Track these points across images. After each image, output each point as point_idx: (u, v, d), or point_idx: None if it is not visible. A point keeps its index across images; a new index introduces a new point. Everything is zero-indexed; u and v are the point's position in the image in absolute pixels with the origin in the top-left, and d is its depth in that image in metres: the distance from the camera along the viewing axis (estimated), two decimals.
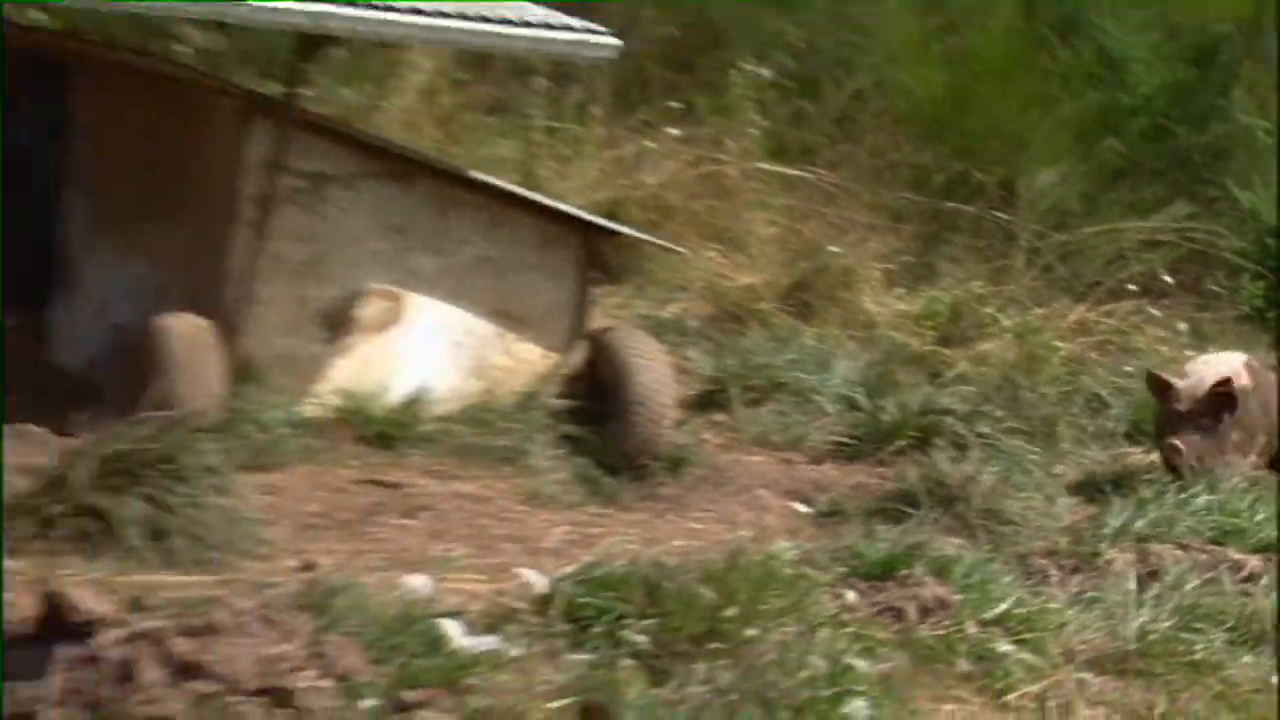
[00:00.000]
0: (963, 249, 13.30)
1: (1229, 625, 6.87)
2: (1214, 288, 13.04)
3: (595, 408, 8.89)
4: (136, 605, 5.64)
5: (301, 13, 7.95)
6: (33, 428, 7.71)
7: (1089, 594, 7.11)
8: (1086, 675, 6.31)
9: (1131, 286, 12.45)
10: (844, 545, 7.31)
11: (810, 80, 14.38)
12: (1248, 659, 6.62)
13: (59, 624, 5.31)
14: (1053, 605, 6.88)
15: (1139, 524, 7.92)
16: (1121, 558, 7.53)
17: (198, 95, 9.29)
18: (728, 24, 14.60)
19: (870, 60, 14.57)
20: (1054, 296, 12.42)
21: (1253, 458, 8.96)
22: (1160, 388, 9.05)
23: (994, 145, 14.01)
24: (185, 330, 8.15)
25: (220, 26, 11.52)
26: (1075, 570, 7.45)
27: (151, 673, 5.17)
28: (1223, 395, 8.80)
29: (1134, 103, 14.45)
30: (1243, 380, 8.99)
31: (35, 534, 6.64)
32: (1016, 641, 6.45)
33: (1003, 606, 6.69)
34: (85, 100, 9.45)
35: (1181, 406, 8.86)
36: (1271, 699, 6.13)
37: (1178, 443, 8.74)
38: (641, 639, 5.99)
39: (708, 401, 9.78)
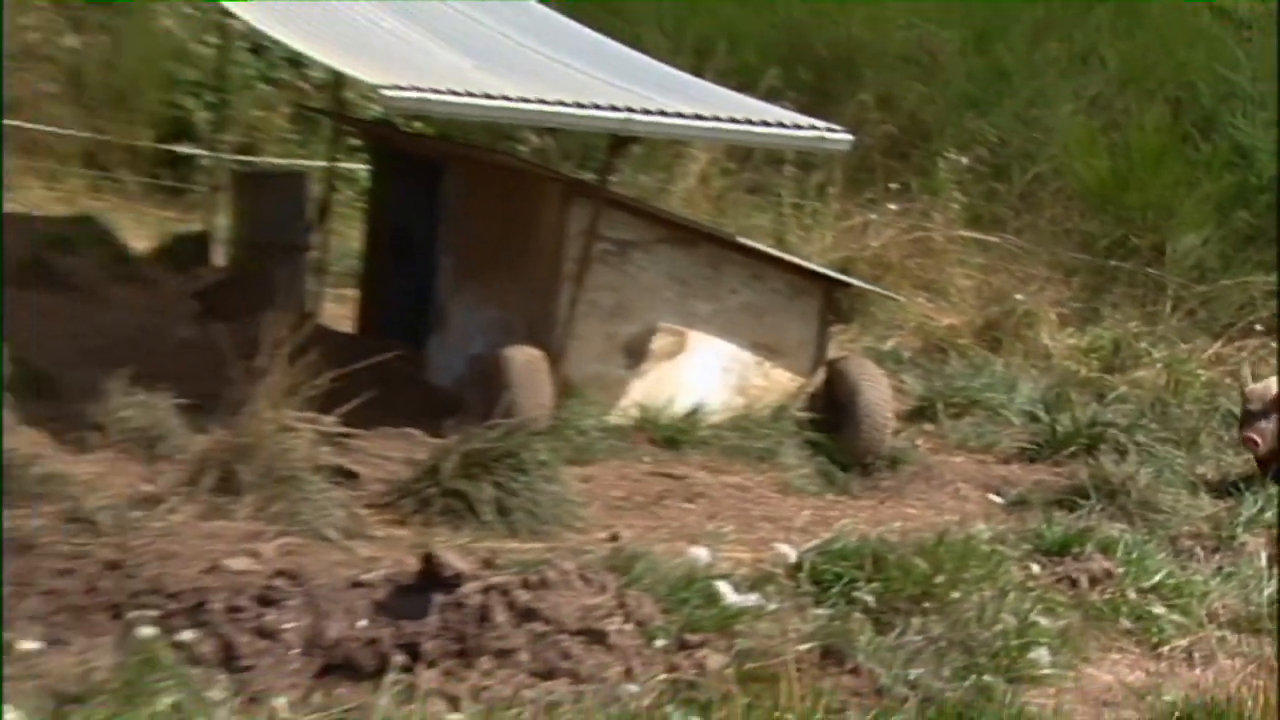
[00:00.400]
0: (1122, 297, 13.09)
1: None
2: None
3: (831, 419, 8.81)
4: (489, 564, 5.76)
5: (613, 119, 8.03)
6: (414, 431, 7.86)
7: (1227, 569, 7.00)
8: (1226, 633, 6.20)
9: (1259, 327, 12.14)
10: (1029, 528, 7.26)
11: (1001, 166, 14.22)
12: None
13: (434, 578, 5.43)
14: (1197, 577, 6.77)
15: (1268, 514, 7.76)
16: (1253, 540, 7.41)
17: (533, 182, 9.41)
18: (936, 123, 14.49)
19: (1048, 150, 14.38)
20: (1196, 335, 12.18)
21: None
22: (1241, 395, 8.83)
23: (1148, 215, 13.75)
24: (524, 358, 8.22)
25: (550, 131, 11.66)
26: (1215, 550, 7.35)
27: (501, 615, 5.26)
28: None
29: (1260, 184, 14.09)
30: None
31: (415, 510, 6.82)
32: (1168, 605, 6.38)
33: (1157, 577, 6.61)
34: (452, 186, 9.55)
35: (1254, 407, 8.58)
36: None
37: (1253, 434, 8.49)
38: (869, 598, 6.00)
39: (919, 414, 9.69)
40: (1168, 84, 15.88)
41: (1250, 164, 14.12)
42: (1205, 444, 9.58)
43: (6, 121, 12.85)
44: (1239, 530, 7.52)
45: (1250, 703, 4.83)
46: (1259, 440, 8.46)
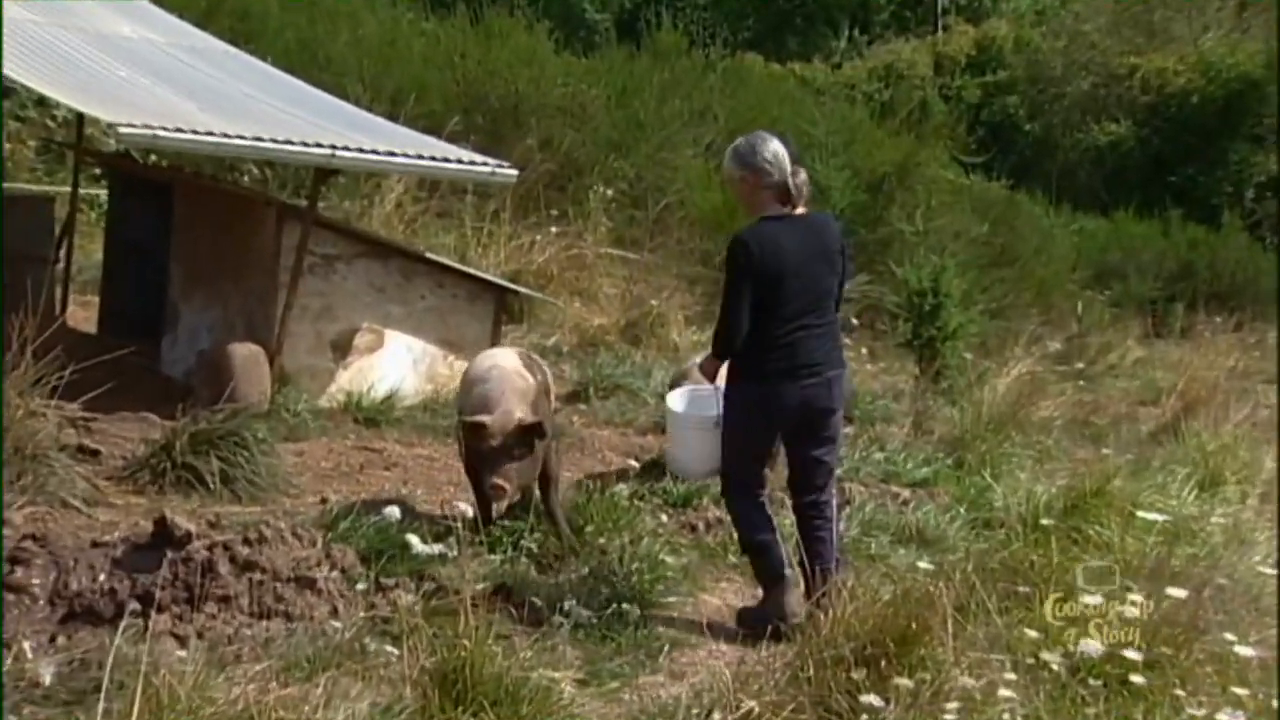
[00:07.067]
0: None
1: (891, 531, 6.93)
2: (882, 326, 13.21)
3: None
4: (214, 525, 5.61)
5: (319, 154, 7.89)
6: (149, 415, 7.60)
7: None
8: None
9: None
10: (660, 486, 7.26)
11: (638, 197, 14.49)
12: (902, 552, 6.66)
13: (166, 537, 5.25)
14: (787, 521, 6.86)
15: (839, 471, 7.83)
16: None
17: (252, 205, 9.23)
18: (586, 162, 14.68)
19: (675, 185, 14.70)
20: None
21: None
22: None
23: None
24: (245, 353, 8.05)
25: (268, 163, 11.41)
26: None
27: (224, 567, 5.12)
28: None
29: (834, 213, 14.63)
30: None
31: (150, 482, 6.59)
32: None
33: None
34: (181, 206, 9.32)
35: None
36: None
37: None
38: (533, 545, 6.01)
39: (575, 397, 9.74)
40: None
41: (826, 198, 14.67)
42: None
43: None
44: None
45: (822, 617, 4.95)
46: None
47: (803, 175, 5.58)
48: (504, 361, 6.49)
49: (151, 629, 4.63)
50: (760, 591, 5.76)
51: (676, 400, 6.25)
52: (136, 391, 7.86)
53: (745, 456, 5.71)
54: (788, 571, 5.57)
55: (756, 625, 5.45)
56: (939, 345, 11.28)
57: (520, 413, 6.00)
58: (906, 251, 13.54)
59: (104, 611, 4.93)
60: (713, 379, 5.95)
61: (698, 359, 7.48)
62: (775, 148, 5.56)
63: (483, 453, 5.92)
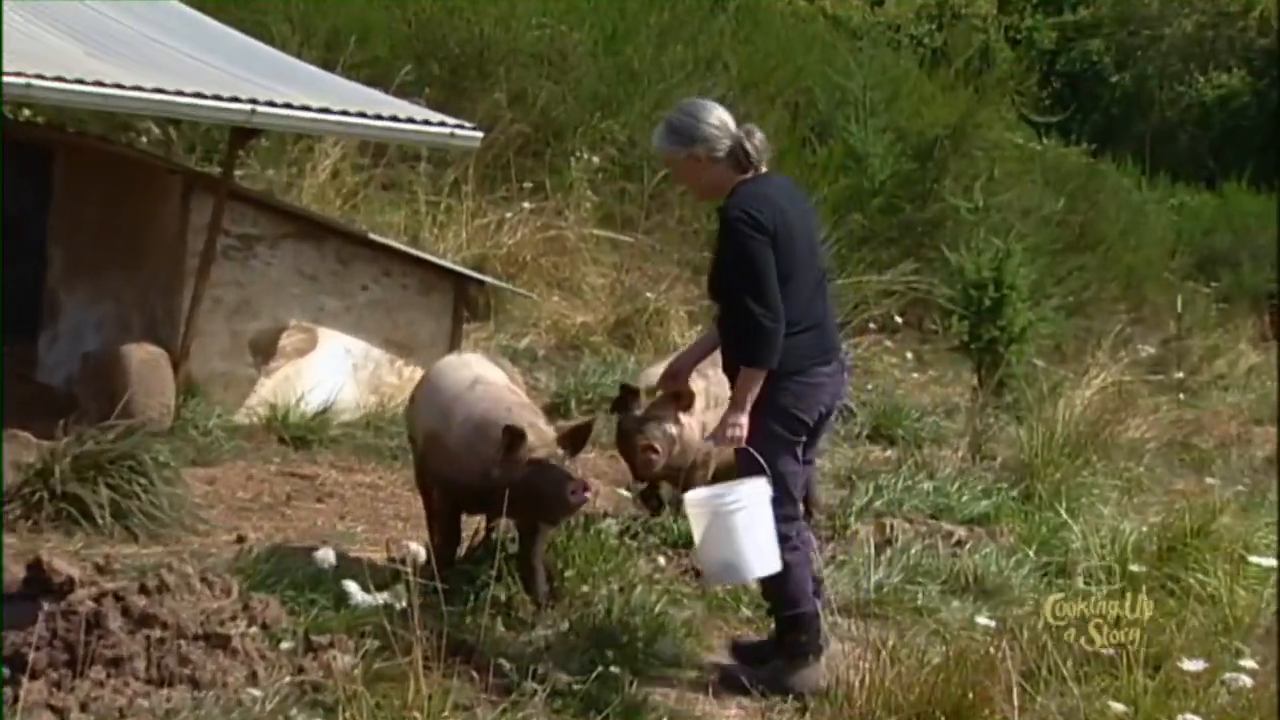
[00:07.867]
0: None
1: (942, 579, 6.93)
2: (932, 326, 13.22)
3: None
4: (103, 570, 5.60)
5: (235, 111, 7.89)
6: (22, 433, 7.59)
7: (840, 557, 7.10)
8: (836, 618, 6.31)
9: (872, 325, 12.58)
10: (656, 522, 7.29)
11: (631, 166, 14.45)
12: (956, 604, 6.67)
13: (43, 585, 5.25)
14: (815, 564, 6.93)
15: (877, 503, 7.92)
16: (864, 529, 7.55)
17: (153, 173, 9.23)
18: (567, 122, 14.66)
19: None
20: None
21: None
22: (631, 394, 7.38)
23: None
24: (143, 356, 8.06)
25: (173, 122, 11.42)
26: (830, 539, 7.41)
27: (115, 622, 5.10)
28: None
29: (872, 187, 14.66)
30: None
31: (22, 516, 6.58)
32: None
33: None
34: (64, 176, 9.37)
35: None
36: None
37: None
38: (499, 595, 6.01)
39: (553, 412, 9.70)
40: (787, 89, 16.46)
41: (863, 168, 14.69)
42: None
43: None
44: (851, 519, 7.65)
45: (857, 685, 4.97)
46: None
47: (759, 134, 5.66)
48: (485, 372, 6.43)
49: (23, 700, 4.61)
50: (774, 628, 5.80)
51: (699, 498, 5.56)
52: (6, 403, 7.84)
53: (784, 481, 5.52)
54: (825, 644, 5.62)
55: (771, 688, 5.50)
56: (1002, 349, 11.31)
57: (545, 426, 6.00)
58: (963, 233, 13.52)
59: None
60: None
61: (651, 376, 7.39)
62: (719, 112, 5.64)
63: (513, 479, 5.76)
